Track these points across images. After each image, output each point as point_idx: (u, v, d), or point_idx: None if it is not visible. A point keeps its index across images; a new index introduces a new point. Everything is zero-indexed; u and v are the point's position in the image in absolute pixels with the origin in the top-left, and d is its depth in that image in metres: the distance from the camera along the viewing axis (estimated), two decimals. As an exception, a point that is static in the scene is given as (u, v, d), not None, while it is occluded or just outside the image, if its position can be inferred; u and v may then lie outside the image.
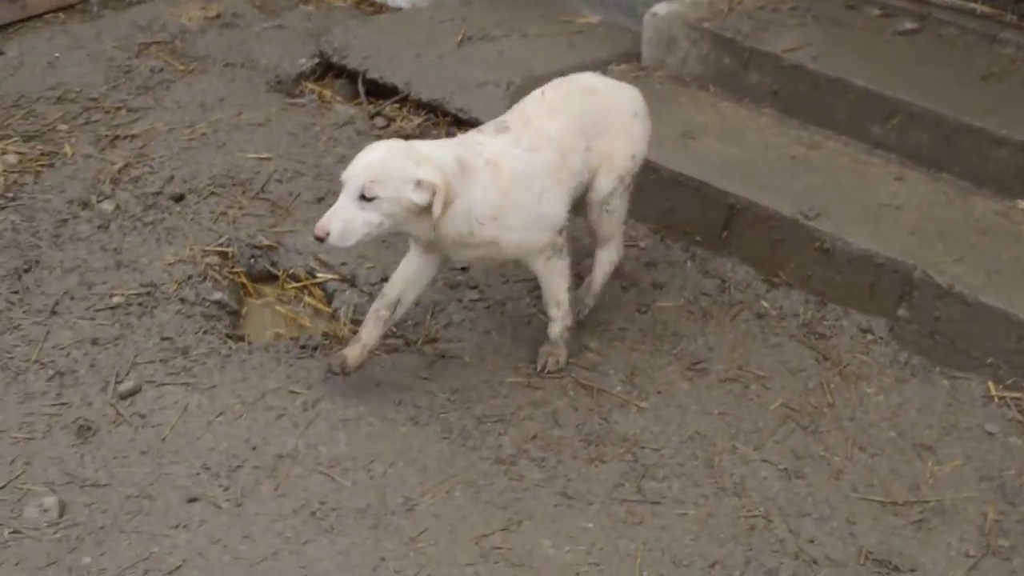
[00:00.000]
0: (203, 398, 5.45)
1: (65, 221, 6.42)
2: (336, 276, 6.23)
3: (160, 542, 4.79)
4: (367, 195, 4.72)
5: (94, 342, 5.67)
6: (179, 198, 6.64)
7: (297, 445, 5.25)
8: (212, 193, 6.74)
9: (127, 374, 5.52)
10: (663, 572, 4.76)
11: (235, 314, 6.04)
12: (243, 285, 6.21)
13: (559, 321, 5.51)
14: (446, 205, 4.78)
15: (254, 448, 5.22)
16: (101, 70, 7.64)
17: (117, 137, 7.09)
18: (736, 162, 6.48)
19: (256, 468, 5.13)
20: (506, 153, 5.03)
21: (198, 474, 5.09)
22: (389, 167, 4.73)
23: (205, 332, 5.80)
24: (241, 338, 5.86)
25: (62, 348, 5.62)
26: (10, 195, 6.54)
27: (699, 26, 7.10)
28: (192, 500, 4.94)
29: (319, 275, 6.26)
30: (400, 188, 4.72)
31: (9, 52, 7.63)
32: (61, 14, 8.12)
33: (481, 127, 5.25)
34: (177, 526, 4.87)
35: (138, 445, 5.20)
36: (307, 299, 6.21)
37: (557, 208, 5.17)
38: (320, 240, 4.77)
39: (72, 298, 5.92)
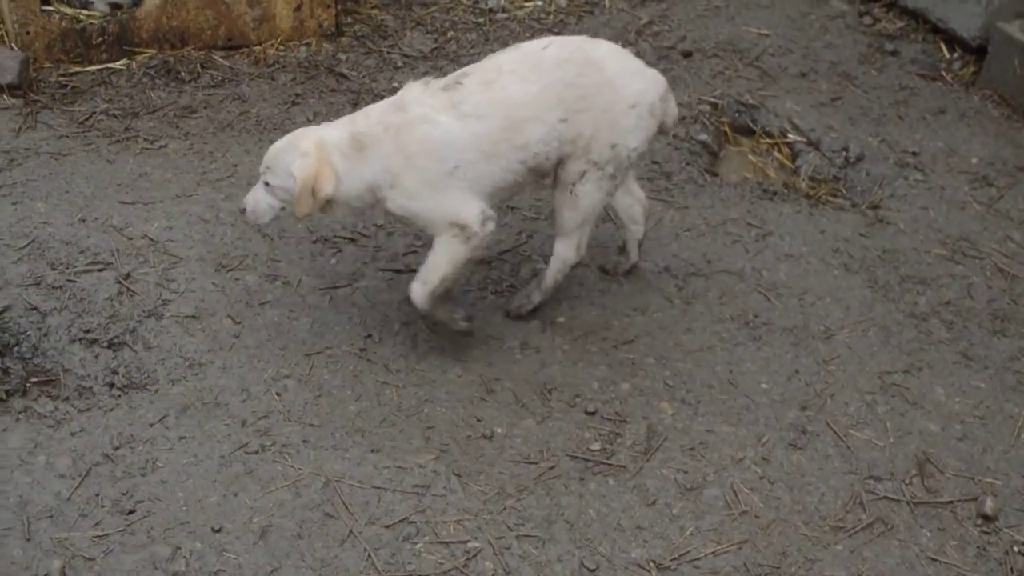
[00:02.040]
0: (676, 214, 5.78)
1: (593, 58, 6.85)
2: (804, 139, 6.37)
3: (619, 318, 5.20)
4: (266, 181, 4.48)
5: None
6: (687, 54, 6.95)
7: (744, 267, 5.50)
8: (715, 55, 6.99)
9: (619, 184, 5.91)
10: (1039, 434, 4.72)
11: (714, 154, 6.33)
12: (725, 133, 6.47)
13: (416, 294, 4.64)
14: (314, 194, 4.34)
15: (708, 262, 5.52)
16: (644, -58, 8.00)
17: (647, -1, 7.46)
18: None
19: (706, 278, 5.43)
20: (425, 118, 4.32)
21: (660, 272, 5.45)
22: (277, 158, 4.39)
23: (687, 164, 6.12)
24: (715, 174, 6.15)
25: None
26: (556, 30, 7.05)
27: None
28: (649, 290, 5.30)
29: (790, 136, 6.42)
30: (285, 179, 4.39)
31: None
32: None
33: (434, 80, 4.51)
34: (635, 309, 5.25)
35: (616, 240, 5.58)
36: (776, 154, 6.40)
37: (471, 190, 4.39)
38: (242, 212, 4.60)
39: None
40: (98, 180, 5.44)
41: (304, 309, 4.94)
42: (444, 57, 6.64)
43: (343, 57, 6.55)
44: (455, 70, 6.17)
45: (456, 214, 4.41)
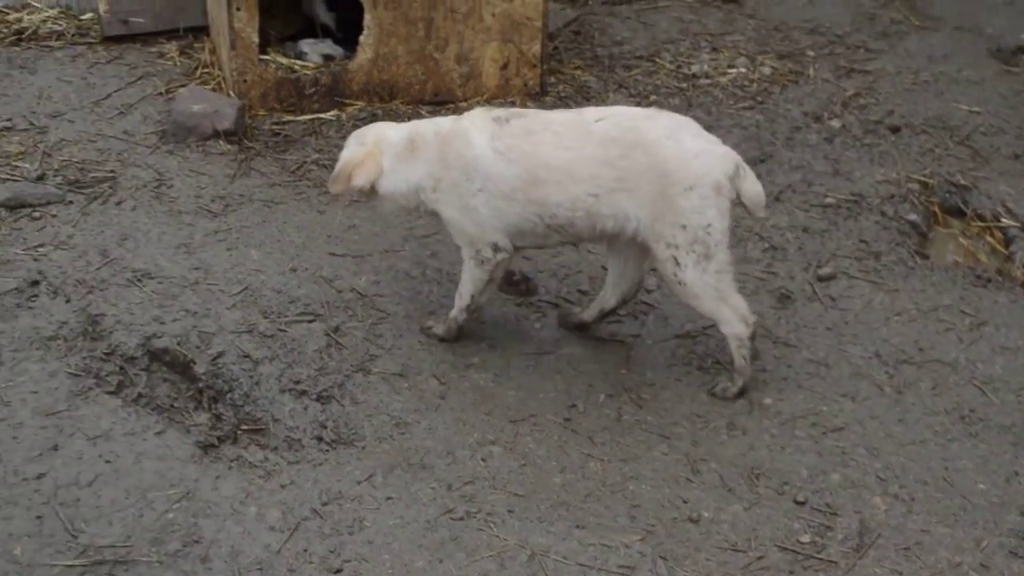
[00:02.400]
0: (886, 297, 5.59)
1: (798, 129, 6.72)
2: (1018, 224, 6.12)
3: (829, 403, 5.02)
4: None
5: (804, 229, 5.97)
6: (895, 129, 6.76)
7: (958, 357, 5.28)
8: (924, 131, 6.79)
9: (827, 262, 5.76)
10: None
11: (923, 235, 6.12)
12: (934, 213, 6.25)
13: (455, 310, 4.93)
14: (349, 178, 4.65)
15: (920, 349, 5.32)
16: (850, 13, 7.86)
17: (853, 70, 7.29)
18: None
19: (918, 367, 5.22)
20: (466, 136, 4.55)
21: (870, 358, 5.26)
22: (348, 139, 4.81)
23: (896, 244, 5.93)
24: (925, 256, 5.94)
25: (779, 228, 5.95)
26: (759, 99, 6.94)
27: None
28: (859, 376, 5.12)
29: (1003, 220, 6.17)
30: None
31: (778, -16, 8.04)
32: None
33: (498, 109, 4.74)
34: (845, 395, 5.07)
35: (824, 321, 5.43)
36: (988, 238, 6.15)
37: (489, 218, 4.58)
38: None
39: (793, 191, 6.23)
40: (309, 230, 5.50)
41: (509, 374, 4.89)
42: (646, 121, 6.54)
43: (546, 117, 6.51)
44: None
45: (473, 235, 4.62)
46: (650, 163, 4.44)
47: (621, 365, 5.04)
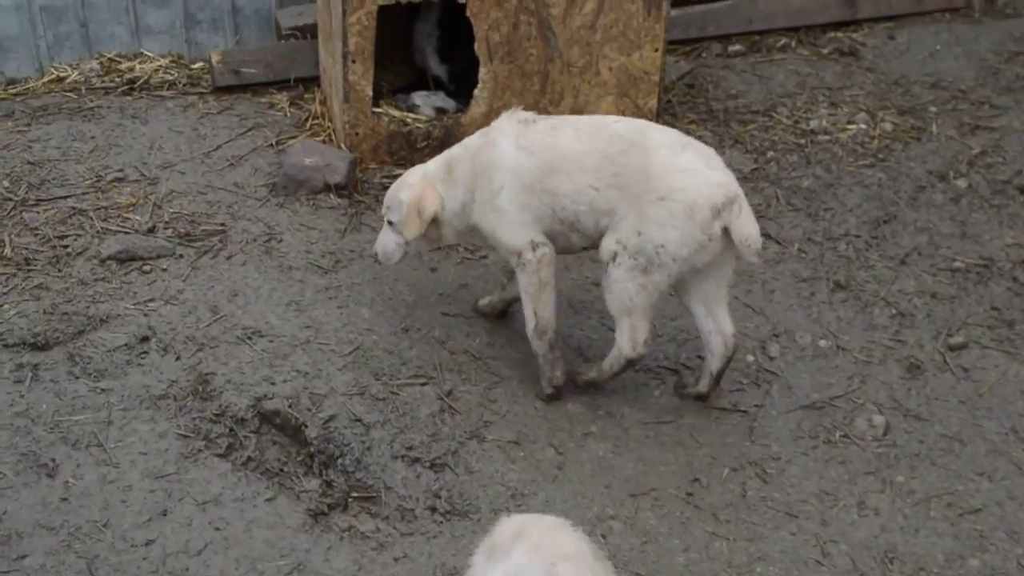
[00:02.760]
0: (1021, 368, 5.31)
1: (923, 188, 6.46)
2: None
3: (964, 482, 4.76)
4: (389, 221, 4.80)
5: (933, 295, 5.70)
6: (1025, 190, 6.46)
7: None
8: (1064, 193, 6.49)
9: (958, 330, 5.50)
10: None
11: (1059, 303, 5.81)
12: (1070, 280, 5.94)
13: (531, 342, 4.85)
14: (419, 214, 4.66)
15: (1054, 426, 5.02)
16: (974, 67, 7.57)
17: (978, 127, 7.00)
18: None
19: (1056, 444, 4.92)
20: (492, 142, 4.63)
21: (1006, 434, 4.99)
22: (391, 194, 4.79)
23: (1033, 311, 5.64)
24: (1064, 327, 5.63)
25: (906, 294, 5.70)
26: (881, 156, 6.69)
27: None
28: (995, 453, 4.83)
29: None
30: (401, 211, 4.71)
31: (899, 39, 7.78)
32: (947, 14, 8.12)
33: (523, 112, 4.77)
34: (981, 474, 4.80)
35: (957, 393, 5.17)
36: None
37: (516, 215, 4.60)
38: (376, 260, 4.98)
39: (920, 254, 5.97)
40: (420, 288, 5.37)
41: (628, 444, 4.70)
42: (764, 179, 6.37)
43: (661, 173, 6.33)
44: (775, 193, 5.95)
45: (509, 239, 4.65)
46: (640, 164, 4.42)
47: (745, 437, 4.82)
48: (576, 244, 4.73)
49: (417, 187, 4.71)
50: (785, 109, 7.02)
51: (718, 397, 4.96)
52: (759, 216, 5.75)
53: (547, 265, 4.65)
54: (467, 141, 4.79)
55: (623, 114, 6.33)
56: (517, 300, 4.92)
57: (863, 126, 6.90)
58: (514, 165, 4.56)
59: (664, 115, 6.72)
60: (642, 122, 4.66)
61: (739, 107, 7.01)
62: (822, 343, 5.32)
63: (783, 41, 7.66)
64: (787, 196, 6.24)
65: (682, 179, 4.39)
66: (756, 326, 5.36)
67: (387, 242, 4.89)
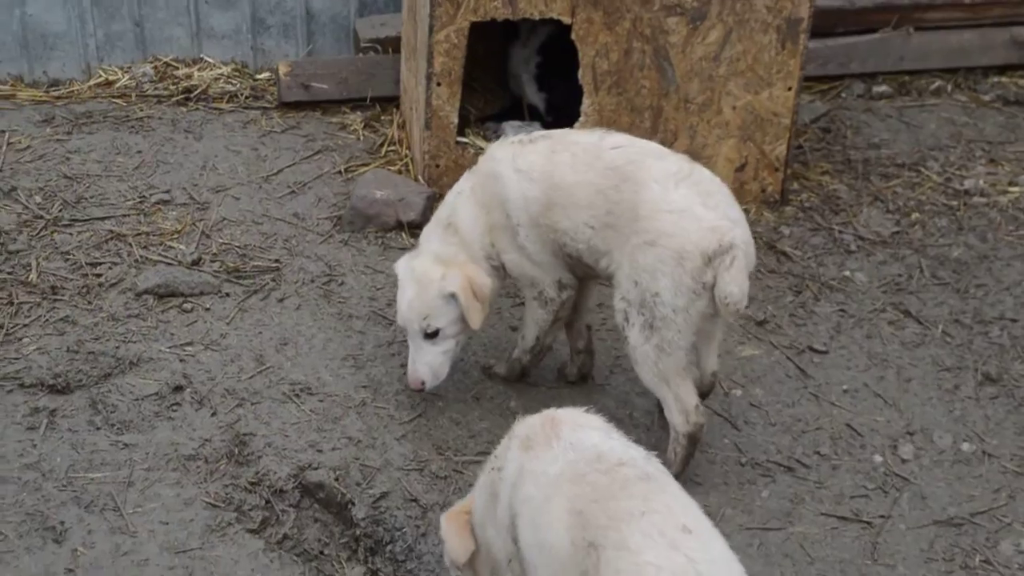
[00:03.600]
0: None
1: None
2: None
3: None
4: (429, 332, 4.63)
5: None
6: None
7: None
8: None
9: None
10: None
11: None
12: None
13: (517, 350, 5.01)
14: (478, 297, 4.61)
15: None
16: None
17: None
18: None
19: None
20: (492, 176, 4.64)
21: None
22: (427, 297, 4.60)
23: None
24: None
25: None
26: None
27: None
28: None
29: None
30: (446, 310, 4.62)
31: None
32: None
33: (519, 137, 4.75)
34: None
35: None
36: None
37: (538, 252, 4.63)
38: (420, 391, 4.78)
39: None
40: (498, 348, 5.29)
41: (728, 552, 4.49)
42: (906, 245, 6.19)
43: (786, 231, 6.21)
44: (919, 263, 5.76)
45: (535, 276, 4.70)
46: (631, 202, 4.35)
47: (866, 554, 4.64)
48: (591, 276, 4.79)
49: (453, 273, 4.63)
50: (936, 164, 6.84)
51: (838, 503, 4.76)
52: (897, 289, 5.58)
53: (567, 306, 4.78)
54: (457, 188, 4.79)
55: (745, 160, 6.20)
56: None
57: (1026, 189, 6.70)
58: (521, 196, 4.56)
59: (794, 163, 6.57)
60: (642, 146, 4.55)
61: (882, 158, 6.85)
62: (965, 446, 5.10)
63: (937, 84, 7.49)
64: (932, 267, 6.03)
65: (671, 221, 4.30)
66: (887, 421, 5.17)
67: (431, 359, 4.75)
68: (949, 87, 7.52)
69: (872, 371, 5.41)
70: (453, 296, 4.59)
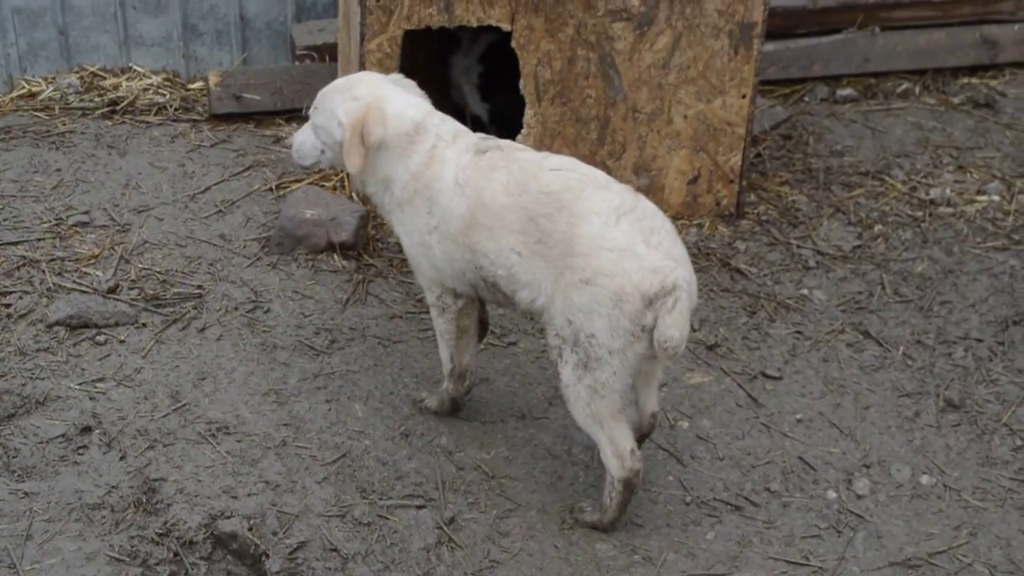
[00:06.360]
0: None
1: (1067, 282, 6.02)
2: None
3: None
4: (311, 118, 4.58)
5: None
6: None
7: None
8: None
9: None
10: None
11: None
12: None
13: (444, 379, 4.84)
14: (363, 140, 4.37)
15: None
16: None
17: None
18: None
19: None
20: (438, 160, 4.43)
21: None
22: (328, 95, 4.52)
23: None
24: None
25: (1037, 418, 5.27)
26: (1016, 237, 6.29)
27: None
28: None
29: None
30: (329, 119, 4.49)
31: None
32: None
33: (486, 144, 4.49)
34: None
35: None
36: None
37: (442, 260, 4.46)
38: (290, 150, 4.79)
39: (1051, 366, 5.54)
40: (430, 381, 5.05)
41: (667, 602, 4.30)
42: (868, 260, 6.00)
43: (741, 247, 6.00)
44: (880, 279, 5.55)
45: (431, 277, 4.59)
46: (565, 235, 4.16)
47: (818, 599, 4.41)
48: (501, 303, 4.57)
49: (364, 103, 4.44)
50: (901, 172, 6.66)
51: (788, 544, 4.55)
52: (857, 308, 5.38)
53: (468, 314, 4.63)
54: (448, 127, 4.55)
55: (698, 172, 5.99)
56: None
57: (996, 198, 6.52)
58: (447, 208, 4.40)
59: (750, 174, 6.35)
60: (583, 173, 4.31)
61: (844, 167, 6.65)
62: (924, 479, 4.91)
63: (905, 86, 7.30)
64: (895, 284, 5.83)
65: (610, 260, 4.10)
66: (843, 452, 4.97)
67: (304, 141, 4.72)
68: (917, 89, 7.34)
69: (828, 398, 5.20)
70: (340, 123, 4.46)
